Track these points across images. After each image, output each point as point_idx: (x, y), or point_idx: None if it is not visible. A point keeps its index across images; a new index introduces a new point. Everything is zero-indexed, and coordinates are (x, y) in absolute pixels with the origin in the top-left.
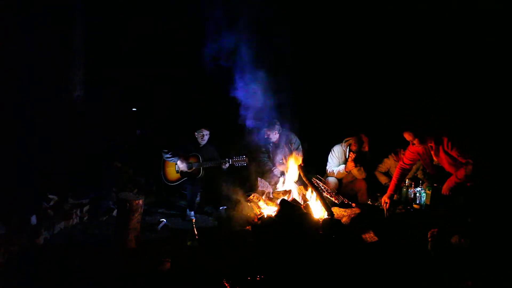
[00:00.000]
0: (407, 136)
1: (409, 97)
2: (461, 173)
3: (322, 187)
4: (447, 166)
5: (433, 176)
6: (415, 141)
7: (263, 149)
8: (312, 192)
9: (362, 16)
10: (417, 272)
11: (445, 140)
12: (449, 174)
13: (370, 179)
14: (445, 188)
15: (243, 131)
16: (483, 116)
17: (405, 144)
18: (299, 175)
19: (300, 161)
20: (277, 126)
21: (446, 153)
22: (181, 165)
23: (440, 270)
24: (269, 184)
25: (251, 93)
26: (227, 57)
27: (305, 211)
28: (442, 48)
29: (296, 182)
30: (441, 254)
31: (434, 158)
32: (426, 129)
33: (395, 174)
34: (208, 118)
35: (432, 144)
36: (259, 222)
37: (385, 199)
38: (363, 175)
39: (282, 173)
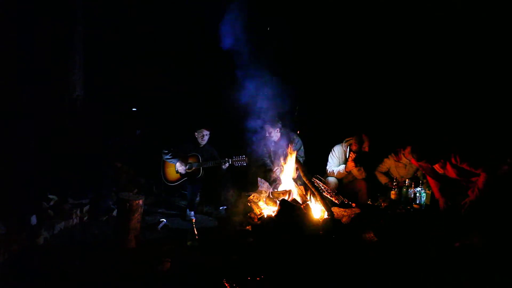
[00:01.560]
0: (422, 162)
1: (409, 97)
2: (480, 182)
3: (322, 187)
4: (454, 176)
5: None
6: (425, 164)
7: (264, 149)
8: (312, 192)
9: (363, 15)
10: (417, 272)
11: (452, 155)
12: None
13: (370, 179)
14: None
15: (243, 131)
16: (484, 120)
17: (405, 144)
18: (299, 175)
19: (295, 158)
20: (278, 124)
21: (454, 166)
22: (180, 167)
23: (441, 270)
24: (269, 184)
25: (252, 93)
26: (228, 56)
27: (305, 211)
28: (444, 48)
29: (296, 182)
30: (447, 255)
31: (439, 171)
32: (437, 153)
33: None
34: (208, 118)
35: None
36: (259, 222)
37: (443, 204)
38: (363, 175)
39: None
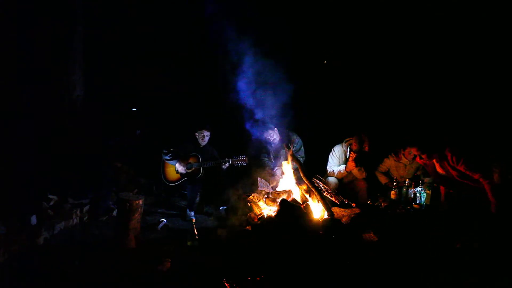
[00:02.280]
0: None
1: (409, 97)
2: (489, 195)
3: (322, 187)
4: (456, 178)
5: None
6: (423, 156)
7: (264, 149)
8: (312, 192)
9: (363, 15)
10: (417, 272)
11: (449, 155)
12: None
13: (370, 179)
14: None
15: (243, 131)
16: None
17: (405, 144)
18: (299, 175)
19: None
20: (273, 126)
21: (453, 168)
22: (180, 168)
23: (441, 270)
24: (269, 184)
25: (252, 93)
26: (228, 56)
27: (305, 211)
28: (444, 49)
29: (296, 182)
30: (447, 255)
31: (440, 171)
32: (433, 145)
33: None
34: (208, 118)
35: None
36: (259, 222)
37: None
38: (363, 175)
39: (283, 173)
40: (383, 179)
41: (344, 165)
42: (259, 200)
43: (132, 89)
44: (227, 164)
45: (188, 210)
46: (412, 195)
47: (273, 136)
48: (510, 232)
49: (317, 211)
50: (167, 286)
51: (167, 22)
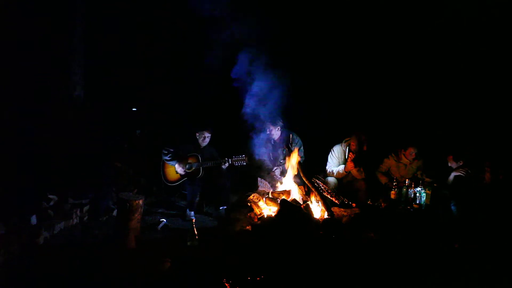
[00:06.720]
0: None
1: (409, 97)
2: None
3: (322, 187)
4: None
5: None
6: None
7: (264, 149)
8: (312, 192)
9: (363, 15)
10: (417, 272)
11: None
12: None
13: (370, 179)
14: None
15: (243, 131)
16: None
17: (405, 144)
18: (299, 175)
19: (299, 159)
20: (280, 123)
21: None
22: (179, 169)
23: (441, 270)
24: (269, 184)
25: (252, 93)
26: (228, 56)
27: (305, 211)
28: (443, 48)
29: (296, 182)
30: (447, 255)
31: None
32: None
33: None
34: (208, 118)
35: None
36: (259, 222)
37: None
38: (362, 176)
39: (282, 173)
40: (383, 179)
41: (343, 165)
42: (259, 200)
43: (132, 89)
44: (227, 164)
45: (188, 210)
46: (412, 195)
47: (272, 132)
48: (508, 232)
49: (317, 211)
50: (167, 286)
51: (167, 22)
